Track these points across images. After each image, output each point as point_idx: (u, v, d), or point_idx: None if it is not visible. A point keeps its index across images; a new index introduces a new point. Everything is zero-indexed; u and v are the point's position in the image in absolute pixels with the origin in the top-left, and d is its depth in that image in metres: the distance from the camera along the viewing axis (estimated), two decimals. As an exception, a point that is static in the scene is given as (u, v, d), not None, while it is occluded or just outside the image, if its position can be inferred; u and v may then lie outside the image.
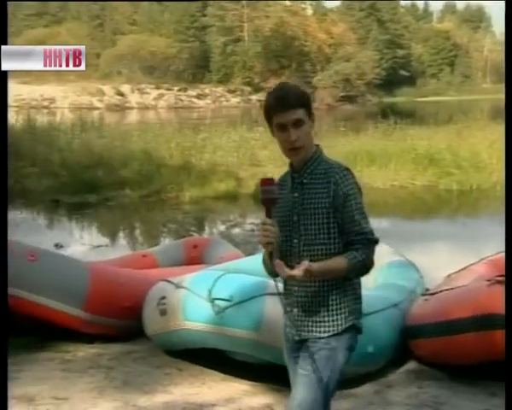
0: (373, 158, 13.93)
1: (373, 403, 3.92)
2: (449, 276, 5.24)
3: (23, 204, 12.01)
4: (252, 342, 3.87)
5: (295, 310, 2.37)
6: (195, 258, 6.43)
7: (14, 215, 11.37)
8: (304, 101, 2.31)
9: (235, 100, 52.97)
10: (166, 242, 10.01)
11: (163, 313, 4.29)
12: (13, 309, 4.64)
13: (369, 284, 4.77)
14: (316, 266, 2.21)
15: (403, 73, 76.75)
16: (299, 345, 2.39)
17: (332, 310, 2.33)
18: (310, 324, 2.35)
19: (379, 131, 16.75)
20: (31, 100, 40.42)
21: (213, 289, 3.98)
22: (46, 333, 4.90)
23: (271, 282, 4.11)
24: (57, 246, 8.49)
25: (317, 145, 2.40)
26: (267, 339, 3.82)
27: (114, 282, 4.92)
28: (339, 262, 2.25)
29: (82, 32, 62.04)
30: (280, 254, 2.29)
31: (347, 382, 4.14)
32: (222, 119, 28.60)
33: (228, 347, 4.09)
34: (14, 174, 12.91)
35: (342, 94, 53.48)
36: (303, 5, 67.08)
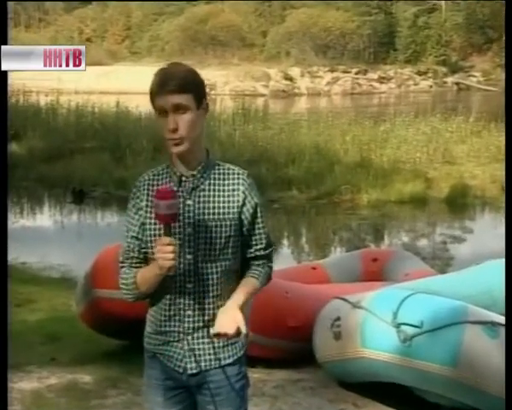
0: None
1: None
2: None
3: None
4: (446, 380, 3.79)
5: (188, 338, 2.38)
6: (374, 273, 6.41)
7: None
8: (191, 86, 2.30)
9: (425, 83, 51.77)
10: (337, 252, 10.06)
11: (337, 336, 4.33)
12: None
13: None
14: (241, 302, 2.33)
15: None
16: (191, 380, 2.40)
17: None
18: (209, 351, 2.39)
19: None
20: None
21: (399, 311, 3.96)
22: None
23: (473, 308, 4.03)
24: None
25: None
26: (466, 377, 3.73)
27: (279, 296, 5.01)
28: (253, 285, 2.39)
29: (247, 8, 64.34)
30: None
31: None
32: (409, 106, 28.21)
33: (416, 383, 4.03)
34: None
35: None
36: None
